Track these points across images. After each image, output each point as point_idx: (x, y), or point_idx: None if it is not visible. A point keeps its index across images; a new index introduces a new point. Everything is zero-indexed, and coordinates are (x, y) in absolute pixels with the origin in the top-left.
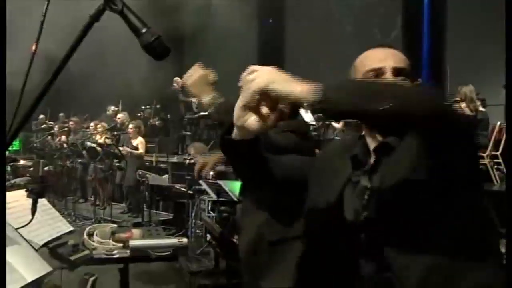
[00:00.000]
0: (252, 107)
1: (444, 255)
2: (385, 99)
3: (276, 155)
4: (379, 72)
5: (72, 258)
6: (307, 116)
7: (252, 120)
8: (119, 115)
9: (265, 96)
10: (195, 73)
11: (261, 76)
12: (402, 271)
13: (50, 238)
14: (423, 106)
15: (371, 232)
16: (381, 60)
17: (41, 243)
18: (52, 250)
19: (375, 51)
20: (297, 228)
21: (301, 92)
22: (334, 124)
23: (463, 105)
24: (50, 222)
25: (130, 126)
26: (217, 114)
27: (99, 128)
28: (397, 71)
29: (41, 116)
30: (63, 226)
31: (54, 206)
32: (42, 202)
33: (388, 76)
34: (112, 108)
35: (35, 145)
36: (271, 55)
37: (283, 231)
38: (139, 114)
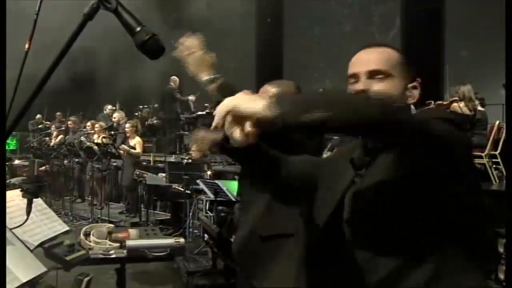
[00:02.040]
0: (221, 128)
1: (416, 258)
2: (319, 109)
3: (288, 153)
4: (355, 77)
5: (68, 258)
6: None
7: (236, 133)
8: (115, 114)
9: (236, 116)
10: (192, 47)
11: (229, 100)
12: (372, 272)
13: (45, 238)
14: (361, 115)
15: (351, 232)
16: (355, 65)
17: (36, 243)
18: (47, 250)
19: (356, 56)
20: (290, 226)
21: (260, 109)
22: None
23: (462, 104)
24: (45, 222)
25: (127, 125)
26: (221, 90)
27: (96, 127)
28: (371, 74)
29: (38, 115)
30: (59, 226)
31: (51, 206)
32: (38, 202)
33: (363, 81)
34: (109, 107)
35: (31, 144)
36: (269, 54)
37: (276, 227)
38: (136, 114)
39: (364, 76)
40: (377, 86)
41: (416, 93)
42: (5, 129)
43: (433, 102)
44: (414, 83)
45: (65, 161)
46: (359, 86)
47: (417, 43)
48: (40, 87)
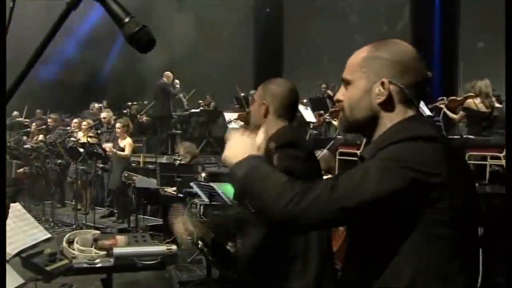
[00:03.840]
0: None
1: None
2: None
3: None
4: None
5: (49, 268)
6: (307, 113)
7: None
8: (103, 114)
9: None
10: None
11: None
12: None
13: (24, 247)
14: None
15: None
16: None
17: (14, 252)
18: (26, 260)
19: None
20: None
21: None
22: (334, 123)
23: (478, 100)
24: (24, 229)
25: (118, 124)
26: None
27: (84, 125)
28: (343, 82)
29: (15, 112)
30: (39, 233)
31: (30, 211)
32: (15, 207)
33: (340, 89)
34: (96, 105)
35: (8, 144)
36: (268, 48)
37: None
38: (125, 111)
39: (342, 84)
40: (345, 95)
41: (385, 90)
42: (5, 129)
43: (445, 98)
44: (384, 80)
45: (46, 163)
46: (336, 95)
47: (428, 35)
48: (21, 79)
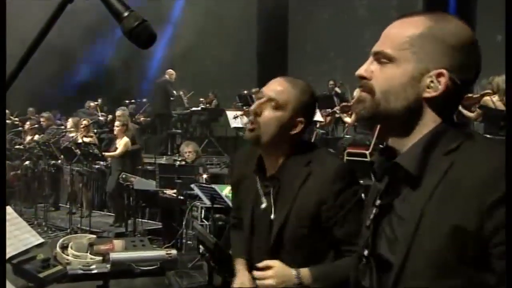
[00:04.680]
0: None
1: None
2: None
3: None
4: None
5: (42, 275)
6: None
7: None
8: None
9: None
10: None
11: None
12: None
13: (15, 252)
14: None
15: None
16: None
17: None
18: (17, 266)
19: None
20: None
21: None
22: (346, 119)
23: (495, 98)
24: (15, 233)
25: (116, 123)
26: None
27: (83, 124)
28: (376, 57)
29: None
30: (32, 238)
31: (21, 215)
32: (7, 210)
33: (367, 63)
34: (92, 104)
35: None
36: (272, 43)
37: None
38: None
39: (371, 58)
40: (378, 74)
41: (440, 84)
42: (5, 131)
43: None
44: (440, 70)
45: (39, 163)
46: (360, 69)
47: None
48: (12, 79)
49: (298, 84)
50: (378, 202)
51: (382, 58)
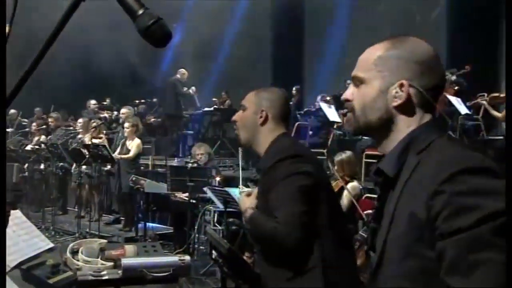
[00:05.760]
0: None
1: None
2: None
3: None
4: None
5: (52, 281)
6: (330, 112)
7: None
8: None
9: None
10: None
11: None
12: None
13: (24, 258)
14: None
15: None
16: None
17: (13, 264)
18: (26, 272)
19: None
20: None
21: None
22: None
23: None
24: (24, 238)
25: (126, 124)
26: None
27: (93, 124)
28: (353, 81)
29: (12, 111)
30: (41, 243)
31: (29, 218)
32: (15, 214)
33: (349, 88)
34: (93, 102)
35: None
36: (288, 39)
37: None
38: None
39: (352, 82)
40: (356, 94)
41: (402, 93)
42: (5, 128)
43: (486, 94)
44: (401, 81)
45: (46, 165)
46: (344, 94)
47: (467, 23)
48: (27, 76)
49: (260, 89)
50: (376, 204)
51: (357, 81)
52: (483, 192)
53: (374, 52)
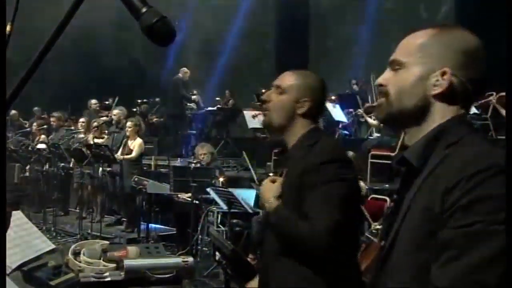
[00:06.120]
0: None
1: None
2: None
3: None
4: None
5: (53, 283)
6: (335, 111)
7: None
8: (114, 111)
9: None
10: None
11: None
12: None
13: (25, 259)
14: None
15: None
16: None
17: (14, 265)
18: (27, 273)
19: None
20: None
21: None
22: (369, 120)
23: None
24: (26, 239)
25: (128, 123)
26: None
27: (95, 125)
28: (391, 65)
29: (13, 111)
30: (42, 244)
31: (30, 219)
32: (17, 215)
33: (385, 72)
34: (93, 101)
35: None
36: (292, 37)
37: None
38: (134, 110)
39: (388, 67)
40: (392, 79)
41: (443, 81)
42: (5, 127)
43: (495, 93)
44: (444, 69)
45: (48, 166)
46: (378, 79)
47: (474, 21)
48: (28, 77)
49: (301, 71)
50: (394, 197)
51: (396, 65)
52: (502, 195)
53: (419, 38)
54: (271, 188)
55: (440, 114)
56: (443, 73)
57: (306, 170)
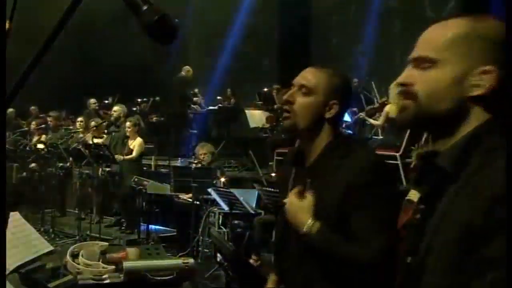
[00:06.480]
0: None
1: None
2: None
3: None
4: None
5: (52, 285)
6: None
7: None
8: (115, 108)
9: None
10: None
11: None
12: None
13: (23, 261)
14: None
15: None
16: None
17: (12, 267)
18: (25, 275)
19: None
20: None
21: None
22: (372, 121)
23: None
24: (23, 241)
25: (128, 123)
26: None
27: (93, 124)
28: (417, 63)
29: (10, 109)
30: (40, 246)
31: (28, 220)
32: (14, 216)
33: (406, 70)
34: (92, 101)
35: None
36: (294, 35)
37: None
38: (134, 109)
39: (411, 65)
40: (420, 79)
41: (486, 81)
42: (5, 126)
43: None
44: (486, 67)
45: (46, 166)
46: (400, 77)
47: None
48: (27, 75)
49: (327, 69)
50: (421, 206)
51: (424, 63)
52: None
53: (449, 29)
54: (303, 207)
55: (477, 117)
56: (484, 72)
57: (350, 189)
